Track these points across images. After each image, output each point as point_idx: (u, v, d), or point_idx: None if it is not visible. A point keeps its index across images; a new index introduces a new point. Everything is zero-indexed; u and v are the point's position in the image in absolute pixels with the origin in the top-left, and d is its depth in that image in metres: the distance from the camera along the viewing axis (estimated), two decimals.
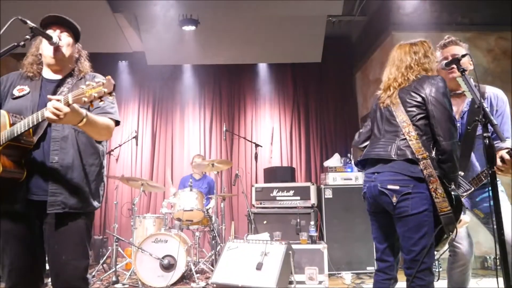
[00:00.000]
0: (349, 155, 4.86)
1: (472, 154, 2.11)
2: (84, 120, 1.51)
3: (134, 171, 6.23)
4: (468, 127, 2.03)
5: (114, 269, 3.89)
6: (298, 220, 4.17)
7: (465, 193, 2.00)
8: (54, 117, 1.41)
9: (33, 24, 1.55)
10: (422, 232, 1.74)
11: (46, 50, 1.72)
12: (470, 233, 2.22)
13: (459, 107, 2.17)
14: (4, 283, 1.63)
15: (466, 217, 1.99)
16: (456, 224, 1.75)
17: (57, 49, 1.70)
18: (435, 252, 1.82)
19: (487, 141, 1.56)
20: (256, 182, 5.87)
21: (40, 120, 1.50)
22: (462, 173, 2.04)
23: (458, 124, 2.13)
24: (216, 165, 4.33)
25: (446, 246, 1.88)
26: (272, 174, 4.85)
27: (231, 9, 4.78)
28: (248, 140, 5.70)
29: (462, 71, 1.75)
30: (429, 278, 1.74)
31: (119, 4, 4.75)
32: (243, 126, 6.48)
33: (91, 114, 1.58)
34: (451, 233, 1.74)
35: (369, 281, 3.95)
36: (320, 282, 3.62)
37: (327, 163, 4.82)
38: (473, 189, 2.02)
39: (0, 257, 1.64)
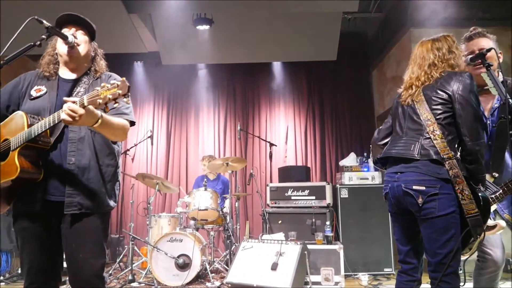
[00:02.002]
0: (365, 154, 4.78)
1: (507, 155, 1.98)
2: (99, 121, 1.52)
3: (149, 170, 6.27)
4: (494, 126, 1.93)
5: (130, 267, 3.92)
6: (314, 220, 4.12)
7: (493, 195, 1.90)
8: (70, 119, 1.42)
9: (49, 24, 1.55)
10: (449, 235, 1.67)
11: (61, 48, 1.72)
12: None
13: (489, 104, 2.06)
14: (24, 280, 1.65)
15: (503, 222, 1.90)
16: (484, 227, 1.67)
17: (72, 47, 1.71)
18: (462, 257, 1.75)
19: None
20: (271, 182, 5.84)
21: (56, 122, 1.51)
22: (497, 175, 1.93)
23: (488, 122, 2.02)
24: (231, 164, 4.31)
25: (474, 249, 1.80)
26: (287, 173, 4.81)
27: (245, 7, 4.76)
28: (263, 139, 5.68)
29: (487, 66, 1.67)
30: (455, 282, 1.67)
31: (134, 4, 4.79)
32: (258, 125, 6.45)
33: (106, 115, 1.58)
34: (478, 236, 1.67)
35: (386, 283, 3.88)
36: (336, 283, 3.57)
37: (342, 162, 4.75)
38: (500, 191, 1.90)
39: (20, 256, 1.68)
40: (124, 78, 1.41)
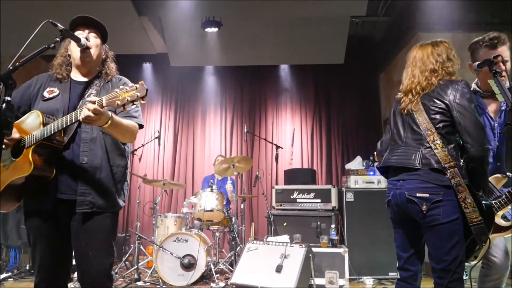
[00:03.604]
0: (371, 157, 4.78)
1: None
2: (109, 122, 1.55)
3: (156, 171, 6.32)
4: (501, 132, 1.93)
5: (136, 266, 3.96)
6: (319, 223, 4.13)
7: (494, 201, 1.90)
8: (89, 119, 1.46)
9: (62, 27, 1.59)
10: (454, 241, 1.68)
11: (74, 52, 1.77)
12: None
13: (496, 106, 2.06)
14: (34, 276, 1.70)
15: None
16: (489, 235, 1.67)
17: (85, 51, 1.75)
18: (468, 264, 1.75)
19: None
20: (277, 184, 5.84)
21: (73, 121, 1.55)
22: (511, 174, 1.93)
23: (496, 124, 2.03)
24: (237, 165, 4.34)
25: (481, 256, 1.80)
26: (293, 176, 4.82)
27: (253, 10, 4.80)
28: (269, 142, 5.69)
29: (494, 73, 1.67)
30: None
31: (145, 6, 4.86)
32: (264, 127, 6.47)
33: (116, 117, 1.62)
34: (484, 244, 1.67)
35: (391, 287, 3.86)
36: (341, 287, 3.57)
37: (348, 166, 4.75)
38: (503, 197, 1.90)
39: (31, 253, 1.72)
40: (142, 81, 1.45)
